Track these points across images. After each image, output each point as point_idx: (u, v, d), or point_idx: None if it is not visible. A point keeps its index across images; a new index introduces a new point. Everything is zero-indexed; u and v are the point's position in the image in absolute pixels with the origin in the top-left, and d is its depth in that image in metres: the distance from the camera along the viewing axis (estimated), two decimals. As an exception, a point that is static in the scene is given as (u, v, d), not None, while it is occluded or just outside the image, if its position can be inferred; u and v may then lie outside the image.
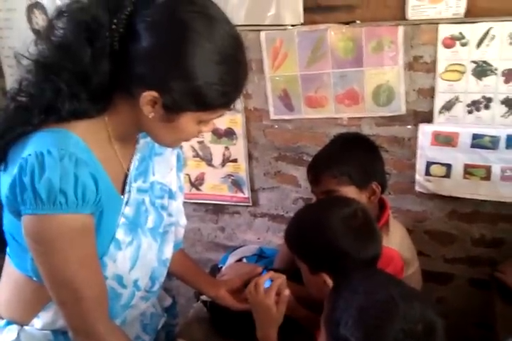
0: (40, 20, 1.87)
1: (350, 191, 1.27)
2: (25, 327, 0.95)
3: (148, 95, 0.78)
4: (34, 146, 0.79)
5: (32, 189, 0.76)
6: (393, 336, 0.77)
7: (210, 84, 0.79)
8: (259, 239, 2.02)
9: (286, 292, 1.08)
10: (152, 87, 0.78)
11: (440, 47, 1.53)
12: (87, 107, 0.82)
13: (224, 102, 0.84)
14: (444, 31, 1.51)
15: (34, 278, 0.90)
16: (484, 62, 1.51)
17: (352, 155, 1.32)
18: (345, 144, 1.39)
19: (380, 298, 0.82)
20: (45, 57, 0.81)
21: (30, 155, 0.77)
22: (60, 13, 0.81)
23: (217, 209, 2.04)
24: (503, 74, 1.51)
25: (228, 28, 0.81)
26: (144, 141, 0.98)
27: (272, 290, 1.08)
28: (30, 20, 1.90)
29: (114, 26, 0.78)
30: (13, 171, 0.78)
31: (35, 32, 1.88)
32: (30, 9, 1.89)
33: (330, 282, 1.05)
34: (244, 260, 1.58)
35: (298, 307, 1.16)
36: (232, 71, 0.81)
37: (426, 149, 1.66)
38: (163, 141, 0.91)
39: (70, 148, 0.79)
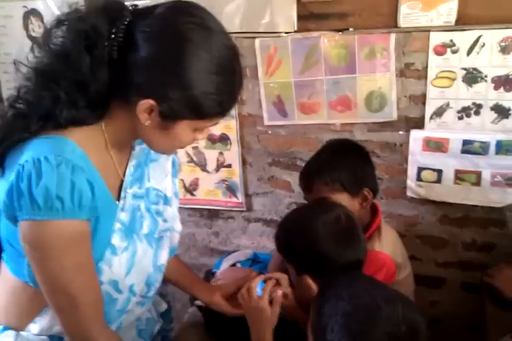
0: (36, 27, 1.89)
1: (342, 198, 1.28)
2: (22, 333, 0.95)
3: (145, 103, 0.80)
4: (31, 153, 0.79)
5: (29, 195, 0.77)
6: (378, 339, 0.79)
7: (207, 93, 0.81)
8: (253, 243, 2.03)
9: (279, 292, 1.10)
10: (149, 95, 0.79)
11: (431, 55, 1.56)
12: (85, 115, 0.83)
13: (220, 111, 0.85)
14: (435, 39, 1.54)
15: (30, 284, 0.90)
16: (474, 69, 1.54)
17: (343, 162, 1.33)
18: (336, 151, 1.39)
19: (364, 303, 0.84)
20: (44, 65, 0.82)
21: (27, 161, 0.78)
22: (59, 21, 0.82)
23: (212, 215, 2.05)
24: (493, 81, 1.54)
25: (225, 39, 0.82)
26: (139, 148, 0.99)
27: (265, 293, 1.10)
28: (26, 27, 1.91)
29: (112, 36, 0.79)
30: (11, 177, 0.79)
31: (32, 39, 1.89)
32: (27, 16, 1.90)
33: (312, 283, 1.08)
34: (238, 265, 1.58)
35: (297, 309, 1.17)
36: (229, 81, 0.83)
37: (417, 155, 1.68)
38: (159, 147, 0.92)
39: (66, 155, 0.80)
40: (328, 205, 1.19)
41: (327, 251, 1.07)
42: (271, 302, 1.09)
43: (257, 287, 1.12)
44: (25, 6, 1.89)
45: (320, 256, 1.07)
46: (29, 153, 0.80)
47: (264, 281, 1.13)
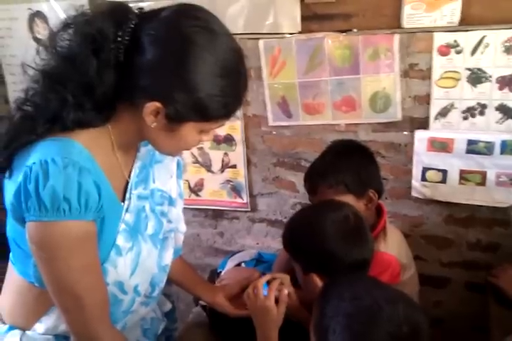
0: (41, 29, 1.90)
1: (347, 200, 1.27)
2: (28, 332, 0.96)
3: (151, 106, 0.80)
4: (39, 155, 0.80)
5: (36, 196, 0.78)
6: (380, 340, 0.80)
7: (212, 96, 0.81)
8: (257, 243, 2.04)
9: (285, 291, 1.11)
10: (155, 97, 0.80)
11: (435, 55, 1.56)
12: (92, 117, 0.84)
13: (225, 113, 0.86)
14: (439, 39, 1.54)
15: (36, 284, 0.91)
16: (479, 69, 1.54)
17: (347, 163, 1.32)
18: (340, 153, 1.39)
19: (365, 304, 0.84)
20: (51, 68, 0.83)
21: (34, 163, 0.79)
22: (66, 25, 0.83)
23: (217, 215, 2.05)
24: (497, 81, 1.53)
25: (230, 42, 0.83)
26: (144, 149, 1.00)
27: (271, 292, 1.10)
28: (31, 29, 1.93)
29: (119, 39, 0.80)
30: (18, 179, 0.80)
31: (37, 41, 1.91)
32: (32, 18, 1.92)
33: (319, 282, 1.08)
34: (243, 265, 1.58)
35: (301, 309, 1.17)
36: (234, 83, 0.84)
37: (422, 155, 1.68)
38: (165, 149, 0.93)
39: (73, 157, 0.80)
40: (337, 204, 1.19)
41: (335, 249, 1.07)
42: (276, 301, 1.10)
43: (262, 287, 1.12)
44: (30, 8, 1.91)
45: (327, 255, 1.07)
46: (36, 155, 0.80)
47: (268, 282, 1.14)
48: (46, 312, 0.95)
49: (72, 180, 0.79)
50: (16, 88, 1.98)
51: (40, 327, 0.96)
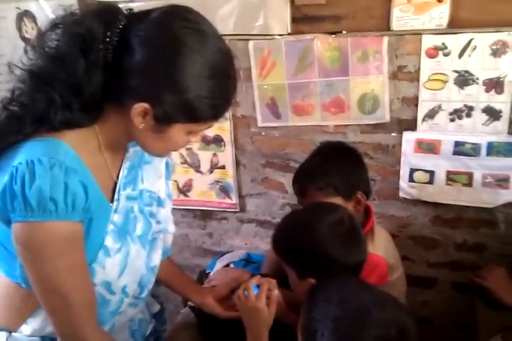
0: (29, 29, 1.88)
1: (336, 202, 1.27)
2: (14, 334, 0.95)
3: (139, 106, 0.80)
4: (25, 155, 0.80)
5: (22, 196, 0.77)
6: None
7: (201, 97, 0.81)
8: (246, 244, 2.04)
9: (276, 291, 1.10)
10: (144, 98, 0.80)
11: (423, 57, 1.57)
12: (79, 117, 0.84)
13: (213, 114, 0.86)
14: (428, 42, 1.55)
15: (23, 285, 0.90)
16: (466, 71, 1.55)
17: (336, 165, 1.32)
18: (328, 155, 1.39)
19: (353, 307, 0.84)
20: (38, 68, 0.83)
21: (20, 163, 0.79)
22: (54, 25, 0.82)
23: (205, 215, 2.05)
24: (484, 83, 1.55)
25: (219, 44, 0.83)
26: (133, 150, 0.99)
27: (262, 293, 1.09)
28: (19, 28, 1.91)
29: (107, 39, 0.80)
30: (4, 179, 0.79)
31: (25, 40, 1.89)
32: (20, 18, 1.90)
33: None
34: (232, 265, 1.58)
35: (289, 312, 1.17)
36: (222, 85, 0.84)
37: (409, 156, 1.69)
38: (153, 150, 0.92)
39: (60, 157, 0.80)
40: (330, 207, 1.18)
41: (333, 253, 1.05)
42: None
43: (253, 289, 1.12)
44: (18, 8, 1.89)
45: (326, 259, 1.06)
46: (23, 155, 0.80)
47: (258, 285, 1.13)
48: (32, 314, 0.94)
49: (59, 181, 0.78)
50: (3, 87, 1.95)
51: (26, 328, 0.95)
